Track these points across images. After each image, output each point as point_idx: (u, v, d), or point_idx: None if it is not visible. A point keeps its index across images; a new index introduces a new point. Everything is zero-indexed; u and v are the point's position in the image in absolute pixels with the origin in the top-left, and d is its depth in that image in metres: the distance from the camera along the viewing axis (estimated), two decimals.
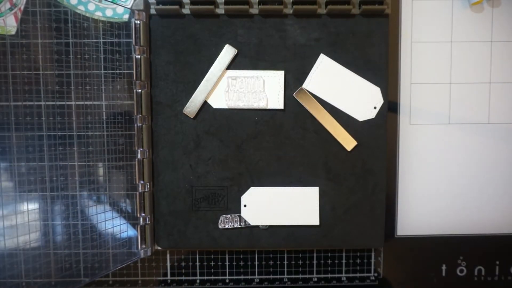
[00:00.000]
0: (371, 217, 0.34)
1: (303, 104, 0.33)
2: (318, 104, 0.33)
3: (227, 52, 0.33)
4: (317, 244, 0.34)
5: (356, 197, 0.34)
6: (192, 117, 0.33)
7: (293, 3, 0.32)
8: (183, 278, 0.36)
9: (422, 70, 0.35)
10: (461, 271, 0.36)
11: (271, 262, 0.36)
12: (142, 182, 0.33)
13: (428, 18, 0.35)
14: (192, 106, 0.33)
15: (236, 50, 0.33)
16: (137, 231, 0.33)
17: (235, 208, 0.34)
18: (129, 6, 0.34)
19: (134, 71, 0.32)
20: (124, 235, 0.35)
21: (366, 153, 0.33)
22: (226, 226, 0.34)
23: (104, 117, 0.34)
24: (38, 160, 0.34)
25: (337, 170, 0.33)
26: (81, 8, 0.34)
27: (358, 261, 0.36)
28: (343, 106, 0.33)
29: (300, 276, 0.36)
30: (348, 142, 0.33)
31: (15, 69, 0.34)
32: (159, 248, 0.34)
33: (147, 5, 0.32)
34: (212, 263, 0.36)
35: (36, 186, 0.34)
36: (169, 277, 0.36)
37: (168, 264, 0.36)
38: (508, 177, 0.36)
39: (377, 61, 0.33)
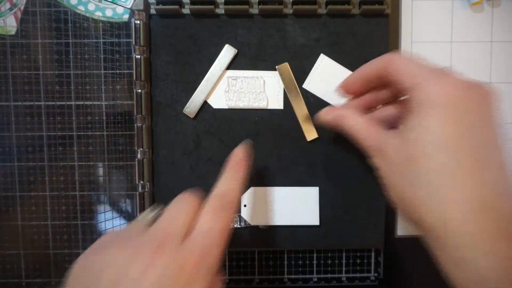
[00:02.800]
0: (371, 217, 0.34)
1: (281, 78, 0.33)
2: (296, 84, 0.33)
3: (227, 52, 0.33)
4: (317, 244, 0.34)
5: (356, 197, 0.34)
6: (192, 117, 0.33)
7: (293, 3, 0.32)
8: None
9: None
10: None
11: (271, 262, 0.36)
12: (142, 182, 0.33)
13: (428, 18, 0.35)
14: (192, 106, 0.33)
15: (236, 50, 0.33)
16: None
17: None
18: (129, 6, 0.34)
19: (134, 71, 0.32)
20: None
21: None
22: None
23: (104, 117, 0.34)
24: (38, 160, 0.34)
25: (337, 170, 0.33)
26: (81, 8, 0.34)
27: (358, 261, 0.36)
28: None
29: (300, 276, 0.36)
30: (310, 133, 0.33)
31: (15, 69, 0.34)
32: None
33: (147, 5, 0.32)
34: None
35: (36, 186, 0.34)
36: None
37: None
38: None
39: None
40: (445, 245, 0.20)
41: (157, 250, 0.20)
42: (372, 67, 0.26)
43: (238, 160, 0.27)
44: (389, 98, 0.28)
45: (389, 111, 0.28)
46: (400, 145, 0.22)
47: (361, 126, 0.25)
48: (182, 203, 0.23)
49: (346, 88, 0.29)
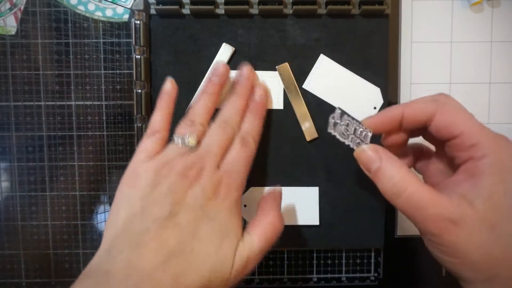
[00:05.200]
0: (371, 217, 0.34)
1: (281, 78, 0.33)
2: (296, 84, 0.33)
3: (225, 51, 0.33)
4: (317, 244, 0.34)
5: (356, 197, 0.34)
6: None
7: (293, 3, 0.32)
8: None
9: (422, 70, 0.35)
10: None
11: (271, 262, 0.36)
12: None
13: (428, 18, 0.35)
14: None
15: (234, 48, 0.33)
16: None
17: None
18: (129, 6, 0.34)
19: (134, 71, 0.32)
20: None
21: None
22: None
23: (104, 117, 0.34)
24: (38, 160, 0.34)
25: (337, 170, 0.33)
26: (81, 8, 0.34)
27: (358, 261, 0.36)
28: (342, 106, 0.33)
29: (300, 276, 0.36)
30: (310, 133, 0.33)
31: (15, 69, 0.34)
32: None
33: (147, 5, 0.32)
34: None
35: (36, 186, 0.34)
36: None
37: None
38: None
39: (377, 61, 0.33)
40: None
41: (198, 173, 0.25)
42: (415, 111, 0.23)
43: (259, 100, 0.31)
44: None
45: (435, 166, 0.26)
46: (482, 212, 0.20)
47: (426, 199, 0.21)
48: (219, 136, 0.27)
49: (373, 127, 0.26)
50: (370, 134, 0.25)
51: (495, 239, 0.20)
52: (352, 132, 0.26)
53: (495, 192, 0.20)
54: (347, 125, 0.26)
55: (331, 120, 0.26)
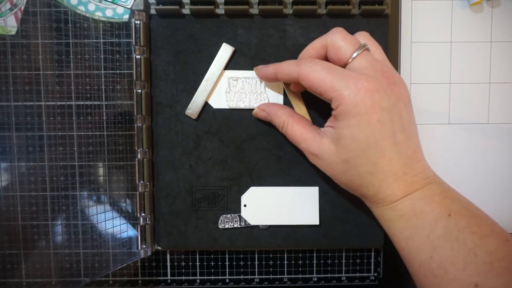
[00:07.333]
0: (371, 217, 0.34)
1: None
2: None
3: (225, 51, 0.33)
4: (317, 244, 0.34)
5: (356, 197, 0.34)
6: (194, 118, 0.33)
7: (293, 3, 0.32)
8: (183, 278, 0.36)
9: (422, 70, 0.35)
10: None
11: (271, 262, 0.36)
12: (142, 182, 0.33)
13: (427, 18, 0.35)
14: (194, 107, 0.33)
15: (234, 48, 0.33)
16: (137, 231, 0.33)
17: (235, 208, 0.34)
18: (129, 6, 0.34)
19: (134, 71, 0.32)
20: (124, 235, 0.35)
21: None
22: (226, 226, 0.34)
23: (104, 117, 0.34)
24: (38, 160, 0.34)
25: None
26: (81, 8, 0.34)
27: (358, 261, 0.36)
28: None
29: (300, 276, 0.36)
30: None
31: (15, 69, 0.34)
32: (159, 248, 0.34)
33: (147, 5, 0.32)
34: (212, 263, 0.36)
35: (36, 186, 0.34)
36: (169, 277, 0.36)
37: (168, 264, 0.36)
38: (508, 177, 0.36)
39: None
40: (377, 203, 0.27)
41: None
42: (284, 75, 0.29)
43: None
44: None
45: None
46: (335, 150, 0.27)
47: (298, 135, 0.29)
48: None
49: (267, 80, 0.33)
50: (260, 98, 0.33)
51: (349, 169, 0.26)
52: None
53: (342, 135, 0.26)
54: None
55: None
